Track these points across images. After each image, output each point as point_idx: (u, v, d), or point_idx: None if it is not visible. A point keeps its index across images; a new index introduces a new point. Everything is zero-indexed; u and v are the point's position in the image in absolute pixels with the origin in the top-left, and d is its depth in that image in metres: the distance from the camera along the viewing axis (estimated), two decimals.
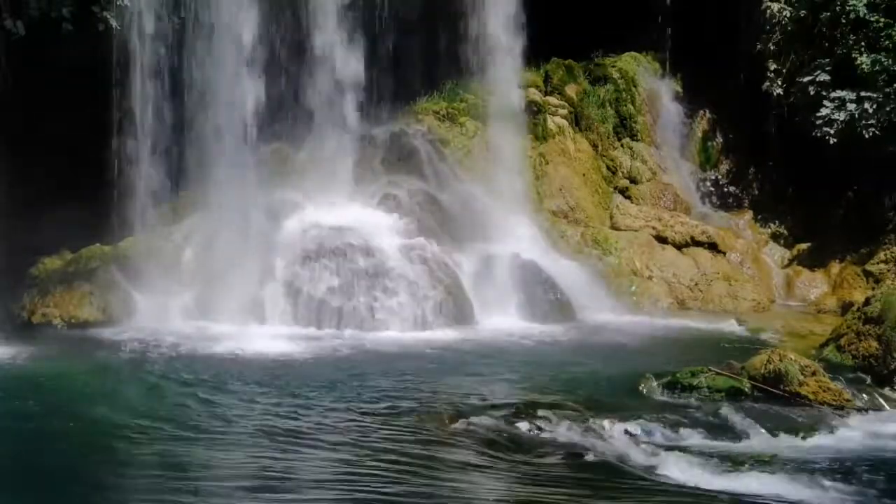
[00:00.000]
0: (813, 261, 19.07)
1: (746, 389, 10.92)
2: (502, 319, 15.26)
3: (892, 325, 12.00)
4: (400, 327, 14.55)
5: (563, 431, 9.52)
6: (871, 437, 9.85)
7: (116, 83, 15.00)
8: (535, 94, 19.71)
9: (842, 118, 17.80)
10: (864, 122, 17.61)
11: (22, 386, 10.81)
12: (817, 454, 9.17)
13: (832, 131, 17.92)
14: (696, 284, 17.78)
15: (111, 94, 15.00)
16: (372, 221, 15.99)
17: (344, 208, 16.28)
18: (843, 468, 8.67)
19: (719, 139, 21.37)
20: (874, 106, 17.60)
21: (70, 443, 8.99)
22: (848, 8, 18.33)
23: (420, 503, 7.68)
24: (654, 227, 18.67)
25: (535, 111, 19.36)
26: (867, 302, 12.77)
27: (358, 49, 17.04)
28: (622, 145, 20.48)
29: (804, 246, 19.34)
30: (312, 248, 15.21)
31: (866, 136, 17.61)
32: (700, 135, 21.39)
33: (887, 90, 17.69)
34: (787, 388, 10.80)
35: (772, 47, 19.72)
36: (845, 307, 16.15)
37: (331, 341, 13.63)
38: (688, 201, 20.10)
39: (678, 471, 8.44)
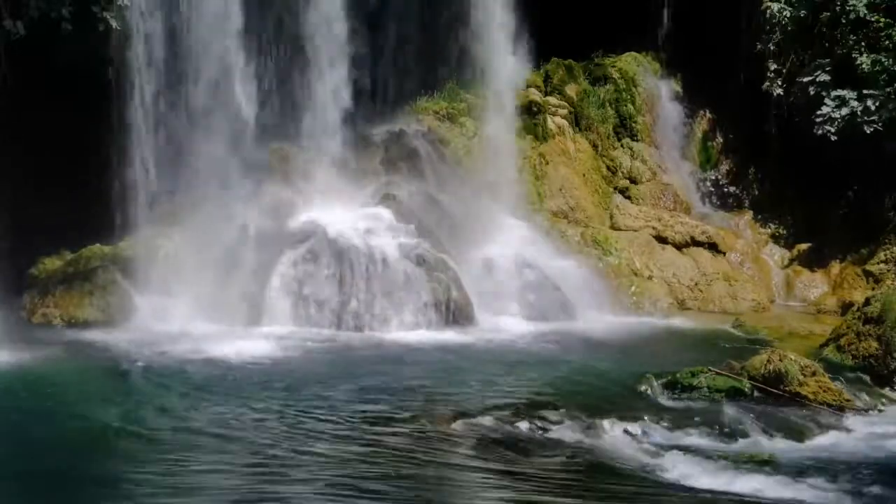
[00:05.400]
0: (813, 261, 19.07)
1: (746, 389, 10.93)
2: (502, 319, 15.26)
3: (892, 325, 12.02)
4: (400, 328, 14.54)
5: (564, 431, 9.53)
6: (871, 437, 9.86)
7: (116, 83, 14.98)
8: (535, 94, 19.70)
9: (842, 115, 17.82)
10: (865, 118, 17.63)
11: (21, 386, 10.80)
12: (817, 454, 9.18)
13: (833, 129, 17.94)
14: (696, 284, 17.78)
15: (111, 93, 14.98)
16: (371, 221, 15.97)
17: (343, 208, 16.27)
18: (843, 468, 8.68)
19: (719, 139, 21.37)
20: (876, 103, 17.62)
21: (68, 444, 8.98)
22: (848, 8, 18.34)
23: (420, 503, 7.68)
24: (654, 228, 18.67)
25: (535, 111, 19.36)
26: (867, 302, 12.79)
27: (358, 49, 17.05)
28: (622, 145, 20.47)
29: (804, 246, 19.34)
30: (312, 249, 15.19)
31: (868, 131, 17.62)
32: (700, 135, 21.40)
33: (888, 90, 17.70)
34: (787, 388, 10.80)
35: (772, 47, 19.73)
36: (845, 307, 16.16)
37: (330, 342, 13.62)
38: (688, 201, 20.11)
39: (678, 471, 8.44)
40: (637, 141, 20.54)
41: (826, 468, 8.65)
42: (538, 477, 8.34)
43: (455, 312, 14.91)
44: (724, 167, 21.14)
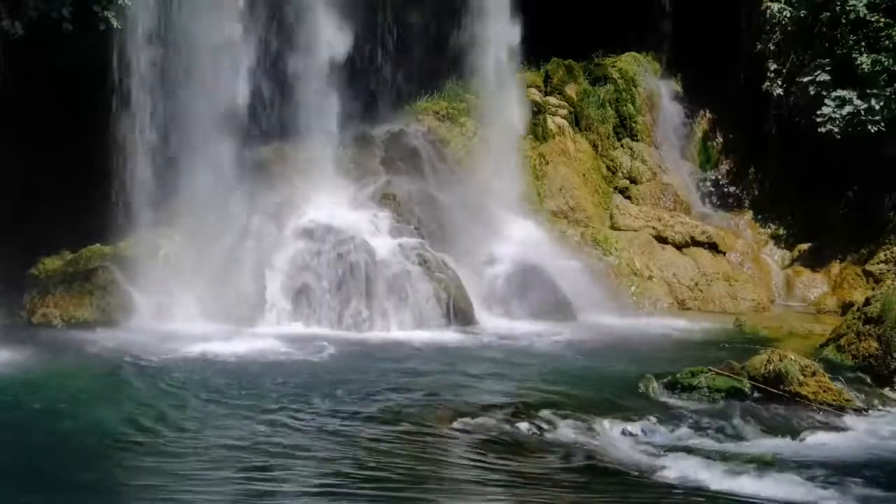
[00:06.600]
0: (813, 261, 19.07)
1: (746, 389, 10.91)
2: (502, 319, 15.27)
3: (892, 325, 12.01)
4: (399, 328, 14.56)
5: (563, 431, 9.52)
6: (871, 437, 9.85)
7: (116, 83, 14.97)
8: (535, 94, 19.71)
9: (844, 114, 17.83)
10: (870, 116, 17.64)
11: (21, 386, 10.80)
12: (817, 454, 9.16)
13: (836, 129, 17.94)
14: (696, 284, 17.78)
15: (111, 93, 14.98)
16: (371, 221, 15.98)
17: (343, 208, 16.27)
18: (843, 468, 8.66)
19: (719, 139, 21.38)
20: (881, 103, 17.62)
21: (67, 445, 8.96)
22: (848, 8, 18.35)
23: (419, 503, 7.68)
24: (654, 227, 18.67)
25: (535, 111, 19.36)
26: (867, 302, 12.77)
27: (358, 48, 17.06)
28: (622, 145, 20.47)
29: (804, 246, 19.34)
30: (312, 249, 15.20)
31: (872, 130, 17.64)
32: (700, 135, 21.41)
33: (888, 90, 17.71)
34: (787, 388, 10.78)
35: (772, 47, 19.74)
36: (845, 307, 16.16)
37: (330, 341, 13.58)
38: (688, 201, 20.11)
39: (678, 471, 8.43)
40: (637, 141, 20.54)
41: (826, 468, 8.63)
42: (538, 477, 8.33)
43: (455, 312, 14.92)
44: (724, 167, 21.15)
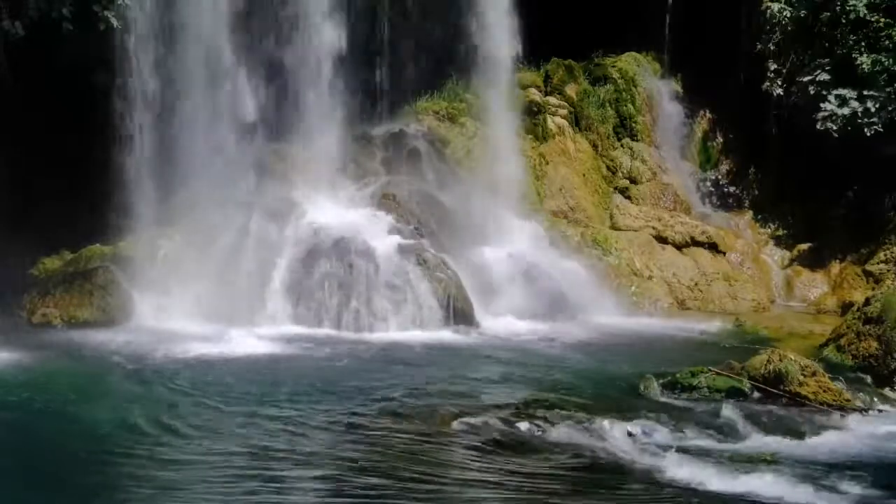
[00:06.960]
0: (813, 261, 19.08)
1: (746, 389, 10.92)
2: (502, 319, 15.25)
3: (892, 325, 12.02)
4: (399, 328, 14.54)
5: (563, 431, 9.52)
6: (871, 437, 9.85)
7: (116, 83, 14.98)
8: (535, 94, 19.71)
9: (845, 113, 17.84)
10: (866, 119, 17.65)
11: (21, 386, 10.79)
12: (817, 454, 9.17)
13: (835, 127, 17.96)
14: (696, 284, 17.78)
15: (110, 93, 14.98)
16: (371, 221, 15.98)
17: (343, 208, 16.27)
18: (843, 468, 8.67)
19: (719, 139, 21.39)
20: (877, 105, 17.63)
21: (67, 444, 8.97)
22: (848, 8, 18.36)
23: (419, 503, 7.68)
24: (654, 227, 18.67)
25: (535, 111, 19.36)
26: (867, 302, 12.79)
27: (358, 48, 17.06)
28: (622, 145, 20.49)
29: (804, 246, 19.34)
30: (312, 249, 15.19)
31: (868, 133, 17.65)
32: (700, 135, 21.41)
33: (888, 90, 17.72)
34: (787, 389, 10.79)
35: (772, 47, 19.75)
36: (845, 307, 16.16)
37: (330, 342, 13.61)
38: (688, 201, 20.12)
39: (678, 471, 8.43)
40: (637, 141, 20.55)
41: (826, 468, 8.64)
42: (538, 477, 8.34)
43: (455, 312, 14.90)
44: (724, 167, 21.16)
